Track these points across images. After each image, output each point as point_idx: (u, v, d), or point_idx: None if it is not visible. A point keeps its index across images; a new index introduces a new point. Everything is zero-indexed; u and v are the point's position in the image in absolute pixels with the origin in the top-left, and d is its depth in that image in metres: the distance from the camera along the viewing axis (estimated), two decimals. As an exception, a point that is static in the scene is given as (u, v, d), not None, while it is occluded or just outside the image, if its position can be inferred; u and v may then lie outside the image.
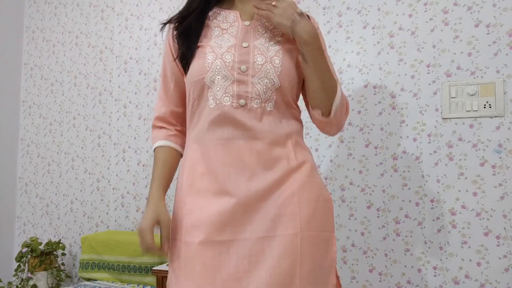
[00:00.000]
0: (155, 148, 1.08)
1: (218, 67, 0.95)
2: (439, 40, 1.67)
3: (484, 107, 1.58)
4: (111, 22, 2.50)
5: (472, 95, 1.60)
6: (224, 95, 0.95)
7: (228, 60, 0.96)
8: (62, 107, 2.64)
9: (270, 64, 0.96)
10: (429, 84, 1.68)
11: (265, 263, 0.89)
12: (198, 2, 1.03)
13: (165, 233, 0.96)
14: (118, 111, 2.43)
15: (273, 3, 0.97)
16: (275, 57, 0.97)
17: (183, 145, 1.08)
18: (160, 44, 2.32)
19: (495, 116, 1.57)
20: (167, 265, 1.85)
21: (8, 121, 2.73)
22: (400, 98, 1.73)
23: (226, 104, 0.95)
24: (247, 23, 1.02)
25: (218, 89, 0.95)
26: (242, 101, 0.95)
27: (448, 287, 1.61)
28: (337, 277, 1.01)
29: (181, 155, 1.09)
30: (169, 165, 1.06)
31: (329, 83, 0.99)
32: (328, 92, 0.99)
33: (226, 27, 1.02)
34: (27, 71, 2.80)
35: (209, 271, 0.88)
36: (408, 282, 1.67)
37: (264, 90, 0.95)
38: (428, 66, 1.69)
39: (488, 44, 1.59)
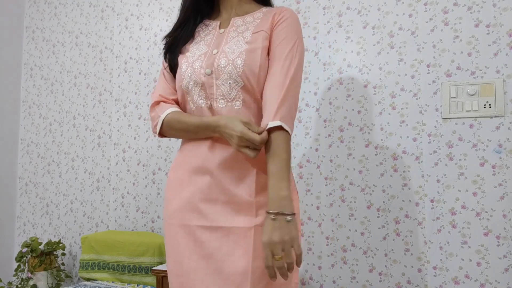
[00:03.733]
0: (167, 115, 1.09)
1: (189, 74, 1.06)
2: (439, 40, 1.67)
3: (484, 107, 1.58)
4: (111, 22, 2.50)
5: (472, 95, 1.60)
6: (198, 98, 1.06)
7: (196, 67, 1.06)
8: (62, 107, 2.64)
9: (232, 66, 1.02)
10: (429, 84, 1.68)
11: (220, 250, 1.00)
12: (183, 17, 1.14)
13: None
14: (118, 111, 2.43)
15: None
16: (237, 59, 1.03)
17: None
18: (160, 44, 2.32)
19: (495, 116, 1.57)
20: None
21: (8, 121, 2.73)
22: (400, 98, 1.73)
23: (202, 106, 1.06)
24: (221, 30, 1.11)
25: (193, 93, 1.07)
26: (209, 103, 1.05)
27: (448, 287, 1.61)
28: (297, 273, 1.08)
29: None
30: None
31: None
32: None
33: (204, 36, 1.13)
34: (27, 71, 2.80)
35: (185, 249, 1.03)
36: (408, 282, 1.67)
37: (229, 90, 1.03)
38: (428, 66, 1.69)
39: (488, 44, 1.59)
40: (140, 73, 2.37)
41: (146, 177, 2.31)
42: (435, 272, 1.63)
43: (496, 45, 1.58)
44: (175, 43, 1.14)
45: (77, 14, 2.63)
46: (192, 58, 1.08)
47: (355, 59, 1.82)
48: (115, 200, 2.40)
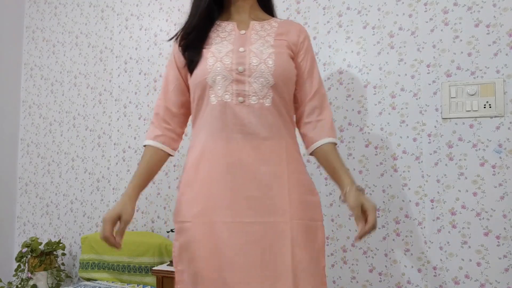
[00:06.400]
0: (144, 145, 1.23)
1: (218, 68, 1.09)
2: (439, 40, 1.67)
3: (484, 107, 1.58)
4: (111, 22, 2.50)
5: (472, 95, 1.60)
6: (224, 93, 1.09)
7: (227, 63, 1.09)
8: (62, 107, 2.64)
9: (264, 65, 1.09)
10: (429, 84, 1.68)
11: (258, 244, 1.04)
12: (197, 19, 1.16)
13: (121, 229, 1.10)
14: (118, 111, 2.43)
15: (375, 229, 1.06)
16: (268, 59, 1.10)
17: (169, 143, 1.22)
18: (160, 44, 2.32)
19: (495, 116, 1.57)
20: (167, 265, 1.86)
21: (8, 121, 2.73)
22: (400, 98, 1.73)
23: (227, 100, 1.09)
24: (242, 32, 1.16)
25: (219, 88, 1.09)
26: (240, 98, 1.08)
27: (448, 287, 1.61)
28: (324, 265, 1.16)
29: (167, 153, 1.22)
30: (151, 164, 1.21)
31: None
32: None
33: (224, 36, 1.16)
34: (27, 71, 2.80)
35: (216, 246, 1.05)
36: (408, 282, 1.67)
37: (260, 88, 1.09)
38: (428, 66, 1.69)
39: (488, 44, 1.59)
40: (140, 73, 2.37)
41: (146, 177, 2.31)
42: (435, 272, 1.63)
43: (496, 45, 1.58)
44: (191, 46, 1.16)
45: (77, 14, 2.63)
46: (220, 54, 1.11)
47: (355, 59, 1.82)
48: (115, 200, 2.40)
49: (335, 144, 1.19)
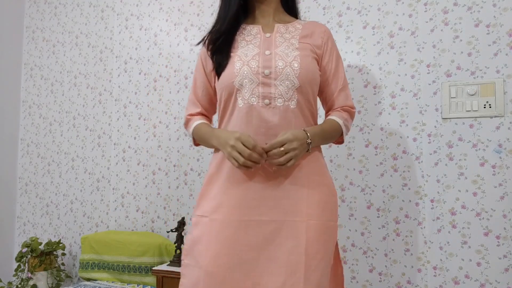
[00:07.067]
0: (194, 127, 1.25)
1: (245, 72, 1.12)
2: (439, 40, 1.67)
3: (484, 107, 1.58)
4: (111, 22, 2.50)
5: (472, 95, 1.60)
6: (251, 96, 1.11)
7: (253, 66, 1.12)
8: (62, 107, 2.64)
9: (289, 68, 1.12)
10: (429, 84, 1.68)
11: (273, 241, 1.07)
12: (226, 24, 1.20)
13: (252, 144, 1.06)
14: (118, 111, 2.43)
15: (281, 149, 1.05)
16: (294, 62, 1.12)
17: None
18: (160, 44, 2.32)
19: (495, 116, 1.57)
20: (167, 265, 1.86)
21: (8, 121, 2.73)
22: (400, 98, 1.73)
23: (253, 103, 1.11)
24: (268, 35, 1.19)
25: (246, 91, 1.12)
26: (266, 101, 1.11)
27: (448, 287, 1.61)
28: (340, 261, 1.21)
29: None
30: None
31: (331, 139, 1.23)
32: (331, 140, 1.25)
33: (250, 39, 1.19)
34: (27, 71, 2.80)
35: (230, 241, 1.09)
36: (408, 282, 1.67)
37: (286, 90, 1.11)
38: (428, 66, 1.69)
39: (488, 44, 1.59)
40: (140, 73, 2.37)
41: (146, 177, 2.31)
42: (435, 272, 1.63)
43: (496, 45, 1.58)
44: (219, 50, 1.19)
45: (77, 14, 2.63)
46: (246, 58, 1.14)
47: (355, 59, 1.82)
48: (115, 200, 2.40)
49: (340, 125, 1.21)
